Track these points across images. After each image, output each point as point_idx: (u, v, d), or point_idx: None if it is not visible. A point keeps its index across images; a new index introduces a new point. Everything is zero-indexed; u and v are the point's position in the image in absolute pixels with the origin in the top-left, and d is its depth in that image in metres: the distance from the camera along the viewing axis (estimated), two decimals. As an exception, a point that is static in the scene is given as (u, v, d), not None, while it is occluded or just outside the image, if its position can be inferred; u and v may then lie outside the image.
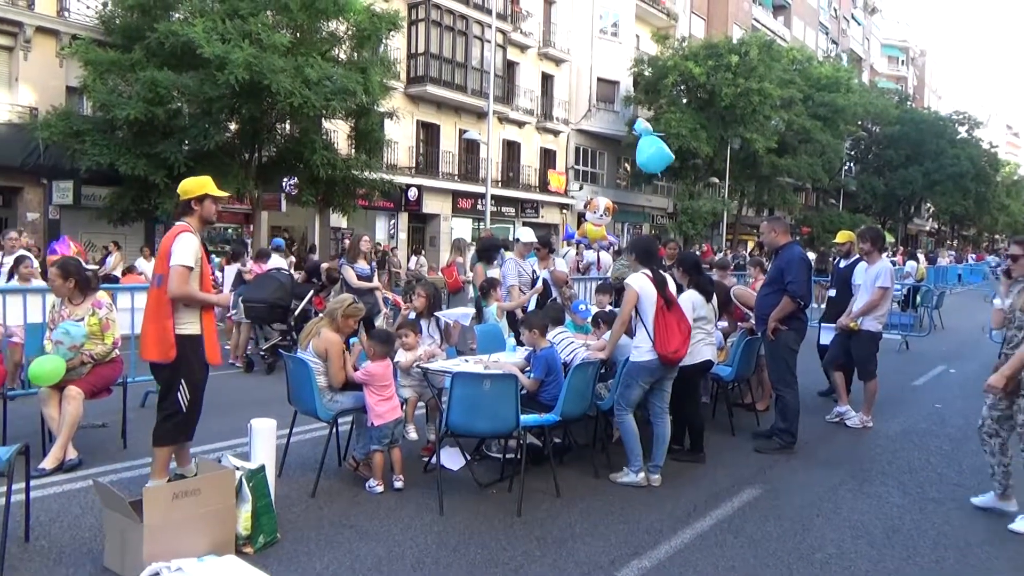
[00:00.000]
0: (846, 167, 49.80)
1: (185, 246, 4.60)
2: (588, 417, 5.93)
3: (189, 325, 4.67)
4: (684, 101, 32.99)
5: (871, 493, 5.54)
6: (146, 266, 14.93)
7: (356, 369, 5.29)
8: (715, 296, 6.44)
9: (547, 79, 32.80)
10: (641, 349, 5.39)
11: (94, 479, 4.23)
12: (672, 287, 5.59)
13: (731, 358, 7.25)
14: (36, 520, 4.29)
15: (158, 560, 3.67)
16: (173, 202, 5.04)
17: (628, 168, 36.68)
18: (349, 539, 4.37)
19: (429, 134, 27.87)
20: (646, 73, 33.76)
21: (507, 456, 5.68)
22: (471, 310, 7.26)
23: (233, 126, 17.57)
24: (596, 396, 5.77)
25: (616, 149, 35.30)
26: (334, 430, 5.42)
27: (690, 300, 5.90)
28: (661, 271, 5.62)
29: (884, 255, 7.73)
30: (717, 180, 34.51)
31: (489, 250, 8.83)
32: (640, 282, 5.43)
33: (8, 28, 17.65)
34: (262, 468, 4.26)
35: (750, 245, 40.73)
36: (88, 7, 18.54)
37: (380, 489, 5.11)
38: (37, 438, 5.53)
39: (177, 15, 16.23)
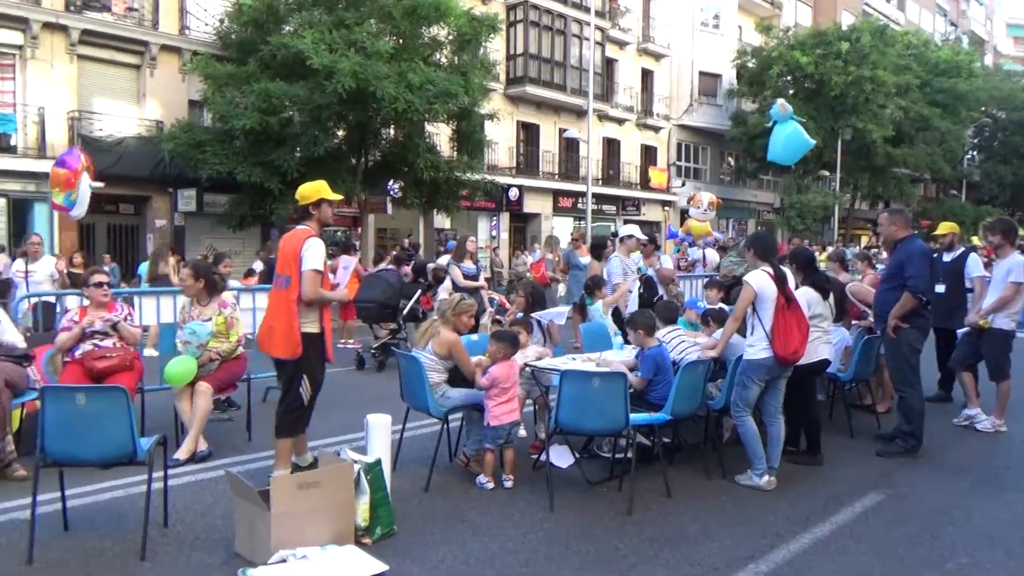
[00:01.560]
0: (969, 156, 46.79)
1: (315, 251, 4.87)
2: (698, 417, 5.82)
3: (311, 324, 4.94)
4: (791, 92, 31.84)
5: (1007, 501, 5.21)
6: (263, 269, 15.60)
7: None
8: (831, 293, 6.20)
9: (647, 75, 32.39)
10: (756, 347, 5.25)
11: (226, 469, 4.47)
12: (792, 284, 5.42)
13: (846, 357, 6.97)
14: (173, 507, 4.57)
15: (284, 548, 3.85)
16: (293, 208, 5.36)
17: (732, 163, 35.77)
18: (462, 533, 4.45)
19: (529, 134, 28.01)
20: (750, 65, 32.83)
21: (616, 455, 5.64)
22: (565, 308, 7.22)
23: (341, 132, 18.19)
24: (707, 395, 5.66)
25: (719, 143, 34.49)
26: (445, 426, 5.53)
27: (805, 297, 5.70)
28: (781, 268, 5.45)
29: (1016, 249, 7.24)
30: (827, 173, 33.14)
31: (598, 248, 8.78)
32: (759, 279, 5.28)
33: (136, 48, 18.86)
34: (379, 462, 4.40)
35: (864, 240, 38.92)
36: (206, 24, 19.58)
37: (491, 486, 5.18)
38: (172, 430, 5.88)
39: (288, 28, 16.93)
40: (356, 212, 20.93)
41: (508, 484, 5.20)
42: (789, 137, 9.25)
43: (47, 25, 17.29)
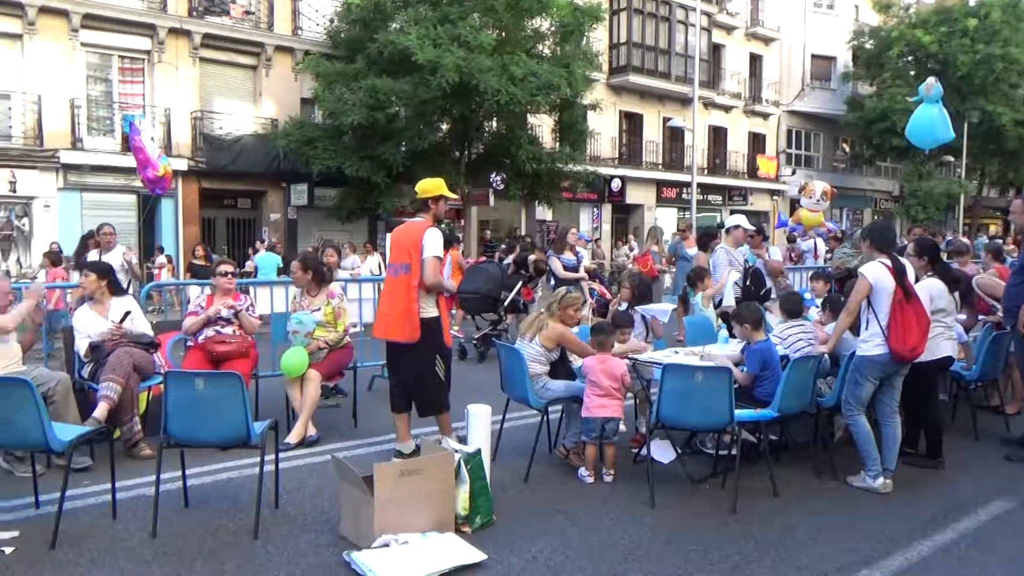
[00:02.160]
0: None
1: (435, 239, 5.23)
2: (808, 414, 5.59)
3: (430, 308, 5.26)
4: (912, 74, 30.08)
5: None
6: (370, 260, 16.05)
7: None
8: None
9: (755, 60, 31.35)
10: (870, 342, 4.99)
11: (332, 454, 4.62)
12: (912, 276, 5.12)
13: (975, 355, 6.52)
14: (283, 488, 4.75)
15: (387, 532, 3.94)
16: (412, 201, 5.73)
17: (847, 149, 34.17)
18: (561, 525, 4.44)
19: (632, 124, 27.64)
20: (867, 46, 31.20)
21: (720, 452, 5.49)
22: (670, 306, 7.04)
23: (445, 126, 18.50)
24: (817, 393, 5.42)
25: (833, 129, 33.01)
26: (545, 418, 5.53)
27: (928, 290, 5.36)
28: (900, 259, 5.15)
29: None
30: (952, 158, 31.15)
31: (706, 238, 8.55)
32: (875, 271, 5.00)
33: (252, 49, 19.74)
34: (479, 452, 4.44)
35: (992, 229, 36.45)
36: (317, 24, 20.28)
37: (590, 479, 5.14)
38: (283, 415, 6.12)
39: (394, 25, 17.31)
40: (459, 204, 21.22)
41: (608, 479, 5.15)
42: (931, 121, 8.70)
43: (172, 30, 18.33)
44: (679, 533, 4.35)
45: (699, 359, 5.40)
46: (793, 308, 5.86)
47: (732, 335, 6.17)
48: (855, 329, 5.34)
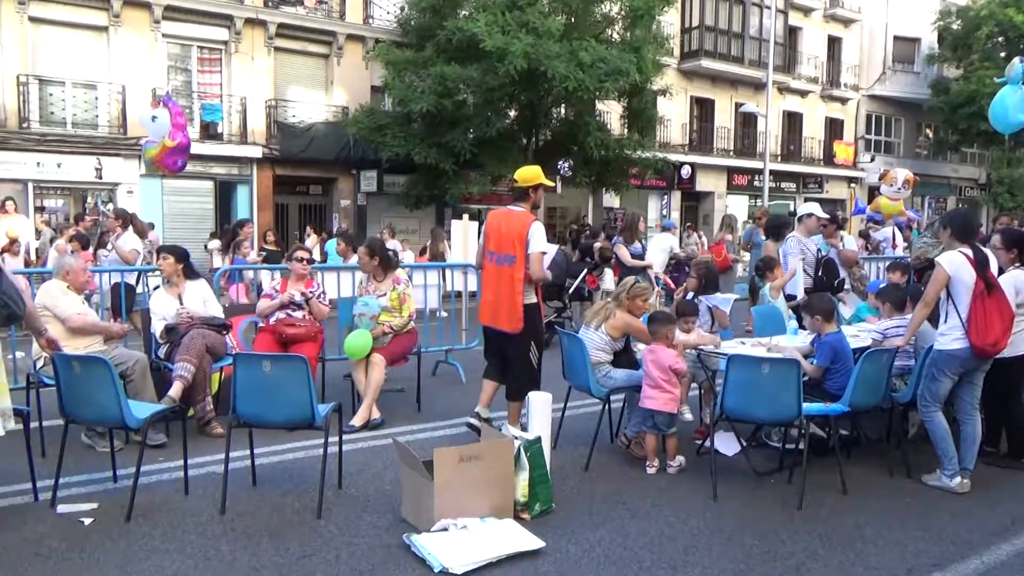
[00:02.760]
0: None
1: (541, 234, 5.38)
2: (881, 410, 5.39)
3: (530, 296, 5.45)
4: (1002, 55, 28.58)
5: None
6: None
7: None
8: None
9: (834, 42, 30.26)
10: (949, 336, 4.77)
11: (394, 438, 4.68)
12: (995, 268, 4.87)
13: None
14: (346, 471, 4.84)
15: (446, 517, 3.97)
16: (510, 188, 5.87)
17: (930, 135, 32.75)
18: (621, 516, 4.40)
19: (703, 110, 27.09)
20: (954, 26, 29.74)
21: (787, 446, 5.35)
22: (733, 296, 6.84)
23: (512, 113, 18.46)
24: (891, 388, 5.22)
25: (916, 114, 31.65)
26: (607, 407, 5.48)
27: (1013, 282, 5.08)
28: (983, 249, 4.90)
29: None
30: (1045, 144, 29.56)
31: (779, 227, 8.31)
32: (953, 261, 4.76)
33: (325, 38, 20.07)
34: (539, 439, 4.43)
35: (1088, 219, 34.38)
36: (388, 12, 20.48)
37: (652, 470, 5.08)
38: (347, 398, 6.24)
39: (463, 12, 17.34)
40: (526, 192, 21.18)
41: (671, 470, 5.07)
42: (1011, 102, 8.26)
43: (248, 21, 18.77)
44: (742, 528, 4.26)
45: (766, 350, 5.26)
46: (901, 300, 5.61)
47: (802, 327, 6.00)
48: (934, 322, 5.12)
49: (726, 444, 5.51)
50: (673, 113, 24.96)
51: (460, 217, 10.58)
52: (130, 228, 9.56)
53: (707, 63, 25.44)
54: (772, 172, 23.07)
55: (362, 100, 19.82)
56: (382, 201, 20.74)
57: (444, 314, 9.50)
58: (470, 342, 8.53)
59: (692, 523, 4.31)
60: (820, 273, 7.47)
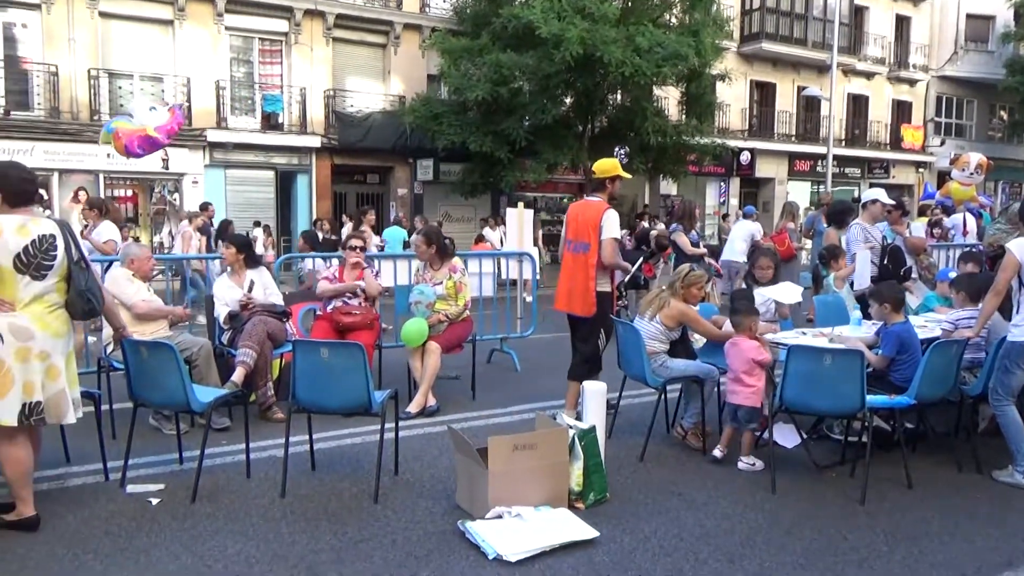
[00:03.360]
0: None
1: (613, 221, 5.58)
2: (949, 403, 5.20)
3: (604, 283, 5.61)
4: (1085, 32, 27.24)
5: None
6: (491, 235, 16.27)
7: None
8: None
9: (902, 22, 29.20)
10: (1022, 327, 4.57)
11: (448, 425, 4.71)
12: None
13: None
14: (402, 457, 4.90)
15: (501, 504, 3.99)
16: (588, 179, 6.02)
17: (1004, 117, 31.40)
18: (676, 507, 4.35)
19: (764, 94, 26.49)
20: (1032, 2, 28.42)
21: (849, 438, 5.21)
22: (790, 288, 6.54)
23: (568, 100, 18.33)
24: (961, 380, 5.04)
25: (989, 95, 30.36)
26: (663, 397, 5.42)
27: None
28: None
29: None
30: None
31: (842, 214, 8.07)
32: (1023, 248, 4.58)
33: (382, 28, 20.25)
34: (593, 428, 4.40)
35: None
36: (444, 0, 20.53)
37: (719, 455, 5.00)
38: (404, 385, 6.31)
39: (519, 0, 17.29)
40: (581, 179, 21.07)
41: (741, 466, 4.94)
42: None
43: (308, 12, 19.05)
44: (801, 521, 4.17)
45: (827, 341, 5.13)
46: (974, 291, 5.39)
47: (867, 316, 5.82)
48: (1007, 313, 4.91)
49: (786, 436, 5.40)
50: (732, 98, 24.47)
51: (515, 205, 10.57)
52: (106, 218, 8.75)
53: (768, 46, 24.84)
54: (836, 157, 22.42)
55: (418, 89, 19.96)
56: (439, 189, 20.88)
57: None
58: (525, 330, 8.54)
59: (750, 516, 4.24)
60: (886, 261, 7.24)
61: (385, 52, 20.58)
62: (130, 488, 4.46)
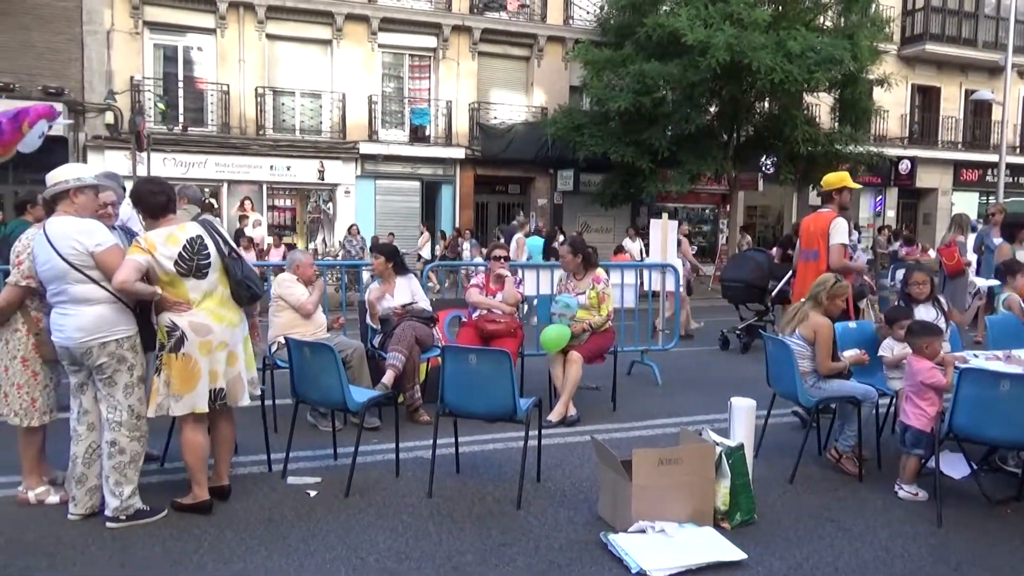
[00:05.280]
0: None
1: (840, 228, 5.91)
2: None
3: None
4: None
5: None
6: (631, 246, 16.13)
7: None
8: None
9: (1090, 17, 26.55)
10: None
11: (592, 436, 4.70)
12: None
13: None
14: (544, 464, 4.94)
15: (644, 519, 3.94)
16: (818, 192, 6.35)
17: None
18: (831, 533, 4.14)
19: (926, 99, 24.83)
20: None
21: (1027, 472, 4.79)
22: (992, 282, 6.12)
23: (713, 108, 17.94)
24: None
25: None
26: (816, 417, 5.18)
27: None
28: None
29: None
30: None
31: (1018, 227, 7.45)
32: None
33: (526, 41, 20.59)
34: (741, 446, 4.27)
35: None
36: (587, 12, 20.63)
37: (908, 495, 4.65)
38: (544, 393, 6.36)
39: (664, 8, 17.09)
40: (725, 190, 20.54)
41: (900, 494, 4.64)
42: None
43: (455, 28, 19.67)
44: (971, 559, 3.86)
45: (1002, 364, 4.73)
46: None
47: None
48: None
49: (953, 465, 5.01)
50: (891, 103, 23.07)
51: (658, 216, 10.43)
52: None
53: (932, 47, 23.27)
54: (1009, 166, 20.64)
55: (560, 100, 20.14)
56: (578, 200, 20.96)
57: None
58: (667, 344, 8.40)
59: (913, 549, 3.97)
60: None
61: (528, 64, 20.91)
62: (290, 479, 4.75)
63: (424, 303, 6.54)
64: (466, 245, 17.17)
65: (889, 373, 5.29)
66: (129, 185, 4.68)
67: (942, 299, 5.87)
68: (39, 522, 4.05)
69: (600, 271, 6.57)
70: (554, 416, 6.01)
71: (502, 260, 6.78)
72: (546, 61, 20.69)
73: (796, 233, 7.31)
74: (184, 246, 3.97)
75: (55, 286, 3.89)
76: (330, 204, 19.48)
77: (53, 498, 4.27)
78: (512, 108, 20.68)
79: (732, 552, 3.77)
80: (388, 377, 5.72)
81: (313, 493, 4.54)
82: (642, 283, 8.69)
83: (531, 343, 7.06)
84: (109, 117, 16.24)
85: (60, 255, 3.82)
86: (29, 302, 4.17)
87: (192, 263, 3.99)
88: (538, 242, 15.33)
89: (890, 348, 5.27)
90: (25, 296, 4.14)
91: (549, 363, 6.33)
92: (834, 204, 6.14)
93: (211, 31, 18.04)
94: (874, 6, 17.86)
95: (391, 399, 5.50)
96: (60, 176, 4.02)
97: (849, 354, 5.14)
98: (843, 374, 5.16)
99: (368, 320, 6.49)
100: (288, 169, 18.55)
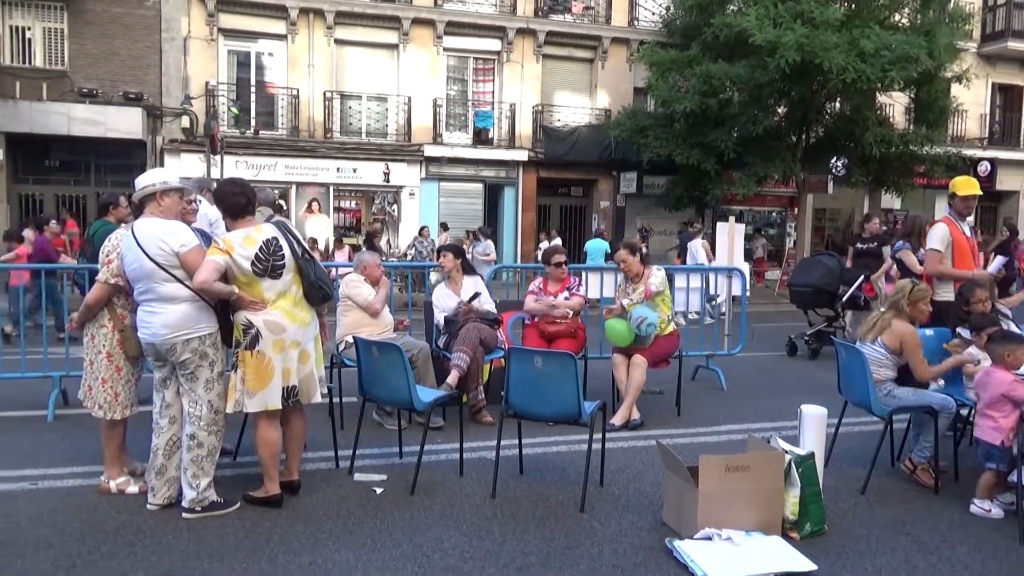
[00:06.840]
0: None
1: (936, 234, 5.94)
2: None
3: (946, 293, 5.78)
4: None
5: None
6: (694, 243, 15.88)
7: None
8: None
9: None
10: None
11: (657, 440, 4.66)
12: None
13: None
14: (608, 468, 4.91)
15: (710, 526, 3.89)
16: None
17: None
18: (905, 547, 4.01)
19: (1008, 98, 23.85)
20: None
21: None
22: None
23: (781, 109, 17.59)
24: None
25: None
26: (889, 427, 5.03)
27: None
28: None
29: None
30: None
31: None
32: None
33: (590, 43, 20.53)
34: (811, 455, 4.18)
35: None
36: (653, 13, 20.45)
37: (979, 511, 4.47)
38: (607, 397, 6.32)
39: (732, 8, 16.83)
40: (793, 192, 20.11)
41: (973, 509, 4.48)
42: None
43: (520, 31, 19.74)
44: (1057, 579, 3.70)
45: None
46: None
47: None
48: None
49: (1037, 481, 4.80)
50: (970, 102, 22.19)
51: (725, 218, 10.28)
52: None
53: (1015, 44, 22.33)
54: (1098, 168, 19.69)
55: (624, 102, 20.01)
56: (641, 202, 20.80)
57: (709, 320, 9.29)
58: (733, 348, 8.27)
59: (992, 567, 3.82)
60: None
61: (592, 67, 20.84)
62: (357, 476, 4.84)
63: (489, 304, 6.58)
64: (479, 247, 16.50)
65: (969, 382, 5.10)
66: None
67: (1001, 307, 5.67)
68: (119, 511, 4.22)
69: (652, 268, 6.41)
70: (617, 420, 5.97)
71: (562, 265, 6.67)
72: (610, 63, 20.59)
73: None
74: (260, 247, 4.09)
75: (142, 285, 4.06)
76: (395, 206, 19.77)
77: (133, 488, 4.45)
78: (576, 110, 20.63)
79: (801, 562, 3.69)
80: (452, 377, 5.77)
81: (379, 490, 4.62)
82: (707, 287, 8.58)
83: (594, 345, 7.04)
84: (185, 121, 16.82)
85: (148, 255, 3.99)
86: (116, 300, 4.35)
87: (268, 264, 4.10)
88: (601, 245, 15.26)
89: (976, 358, 5.07)
90: (113, 294, 4.32)
91: (613, 366, 6.29)
92: (953, 210, 6.12)
93: (282, 37, 18.51)
94: (952, 2, 17.25)
95: (456, 399, 5.55)
96: (147, 180, 4.20)
97: (951, 361, 4.99)
98: (923, 384, 5.00)
99: (435, 321, 6.53)
100: (354, 171, 18.90)
